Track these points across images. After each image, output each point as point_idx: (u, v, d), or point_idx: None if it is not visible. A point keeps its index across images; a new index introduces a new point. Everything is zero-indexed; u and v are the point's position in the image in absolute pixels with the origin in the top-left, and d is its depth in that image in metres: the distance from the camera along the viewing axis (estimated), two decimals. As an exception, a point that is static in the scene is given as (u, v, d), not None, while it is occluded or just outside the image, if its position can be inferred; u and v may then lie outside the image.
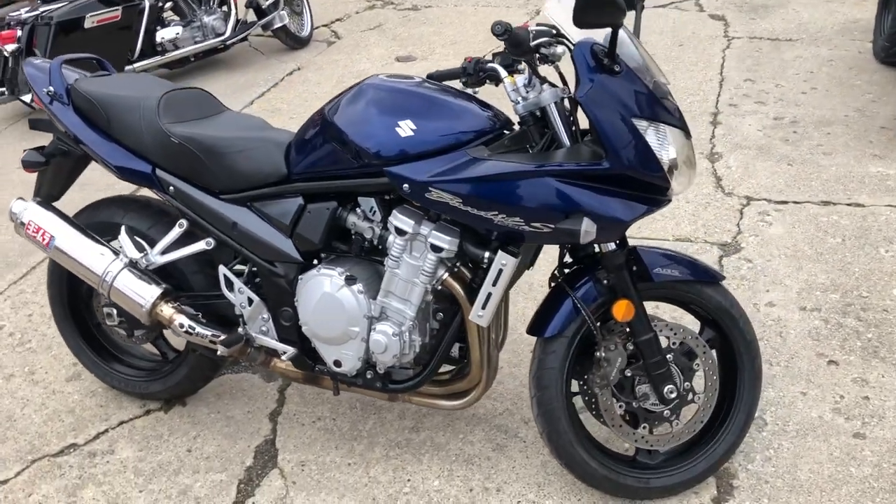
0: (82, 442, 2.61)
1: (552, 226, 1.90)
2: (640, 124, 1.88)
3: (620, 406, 2.17)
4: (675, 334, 2.16)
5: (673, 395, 2.12)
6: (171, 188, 2.32)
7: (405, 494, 2.32)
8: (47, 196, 2.60)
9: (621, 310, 2.05)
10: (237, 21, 6.01)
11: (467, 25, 6.55)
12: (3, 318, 3.25)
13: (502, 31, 1.85)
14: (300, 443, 2.53)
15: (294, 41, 6.36)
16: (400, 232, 2.07)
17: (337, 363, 2.24)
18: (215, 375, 2.71)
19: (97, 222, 2.50)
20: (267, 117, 2.78)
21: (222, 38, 5.89)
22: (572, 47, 1.90)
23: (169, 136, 2.26)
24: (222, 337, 2.29)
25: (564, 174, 1.89)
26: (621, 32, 1.97)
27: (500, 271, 2.01)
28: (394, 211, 2.09)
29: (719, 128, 4.43)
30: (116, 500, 2.37)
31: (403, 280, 2.12)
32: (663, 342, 2.14)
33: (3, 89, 5.12)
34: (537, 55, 1.96)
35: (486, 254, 2.03)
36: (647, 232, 3.49)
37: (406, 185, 1.98)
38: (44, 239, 2.38)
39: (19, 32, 5.01)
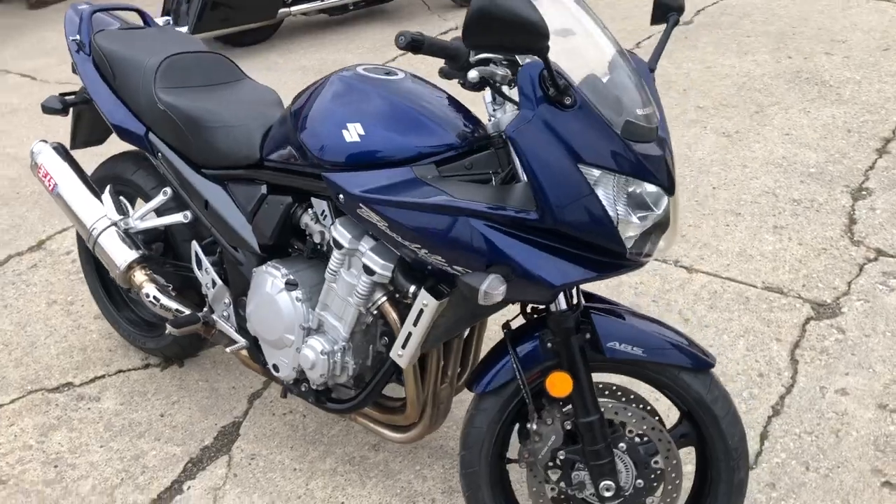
0: (78, 383, 2.68)
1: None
2: (591, 173, 1.52)
3: (552, 489, 1.85)
4: (635, 421, 1.80)
5: (609, 495, 1.76)
6: (160, 154, 2.26)
7: (331, 518, 2.17)
8: (83, 143, 2.65)
9: (555, 383, 1.72)
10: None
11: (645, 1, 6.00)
12: (73, 247, 3.43)
13: (405, 43, 1.54)
14: (261, 433, 2.44)
15: (462, -1, 6.16)
16: (337, 245, 1.87)
17: (275, 367, 2.10)
18: (205, 346, 2.67)
19: (112, 174, 2.51)
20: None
21: (384, -12, 5.81)
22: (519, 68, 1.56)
23: (157, 101, 2.19)
24: (174, 316, 2.22)
25: (490, 218, 1.58)
26: (605, 48, 1.62)
27: (421, 311, 1.75)
28: (336, 220, 1.88)
29: (884, 158, 3.71)
30: (76, 450, 2.42)
31: (339, 297, 1.92)
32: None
33: (169, 18, 5.37)
34: (478, 73, 1.62)
35: (412, 288, 1.77)
36: (736, 272, 3.00)
37: (340, 196, 1.76)
38: (49, 183, 2.42)
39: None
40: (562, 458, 1.79)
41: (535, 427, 1.78)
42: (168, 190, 2.27)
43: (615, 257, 1.59)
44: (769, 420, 2.37)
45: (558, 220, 1.53)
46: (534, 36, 1.34)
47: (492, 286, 1.52)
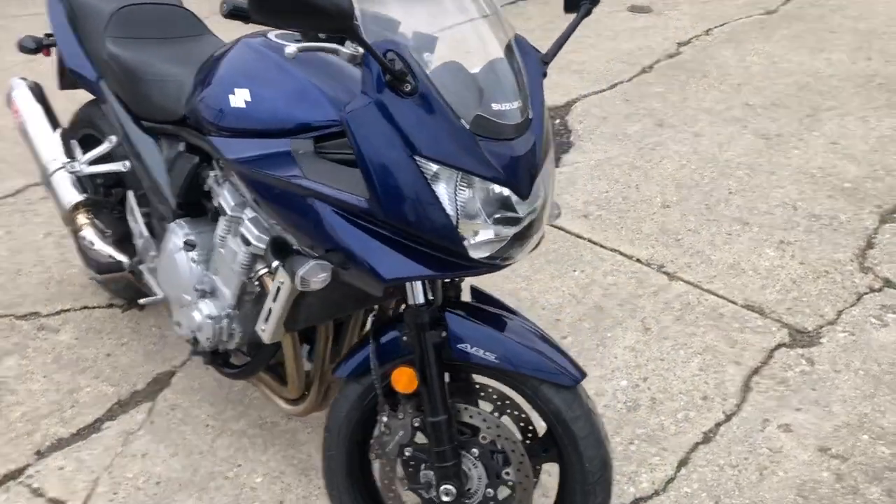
0: (45, 313, 2.81)
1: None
2: (427, 167, 1.44)
3: (403, 484, 1.79)
4: (489, 428, 1.71)
5: (447, 499, 1.69)
6: (107, 102, 2.30)
7: (223, 479, 2.19)
8: (70, 85, 2.73)
9: (401, 378, 1.66)
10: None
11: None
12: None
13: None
14: (189, 386, 2.49)
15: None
16: (222, 210, 1.85)
17: (178, 324, 2.12)
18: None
19: (86, 118, 2.58)
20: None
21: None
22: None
23: (104, 49, 2.23)
24: (99, 261, 2.28)
25: (330, 202, 1.52)
26: (488, 37, 1.52)
27: (279, 289, 1.72)
28: (224, 185, 1.87)
29: (932, 180, 3.37)
30: (21, 377, 2.53)
31: (226, 264, 1.91)
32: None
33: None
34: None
35: (275, 263, 1.73)
36: (719, 285, 2.81)
37: (221, 161, 1.74)
38: (17, 118, 2.52)
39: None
40: (408, 454, 1.74)
41: (385, 419, 1.73)
42: (113, 138, 2.31)
43: (460, 258, 1.51)
44: (695, 447, 2.22)
45: (387, 211, 1.46)
46: (330, 16, 1.27)
47: (310, 273, 1.48)
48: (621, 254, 3.01)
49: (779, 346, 2.55)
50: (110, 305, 2.84)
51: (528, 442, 1.78)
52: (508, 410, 1.80)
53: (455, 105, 1.45)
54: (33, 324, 2.76)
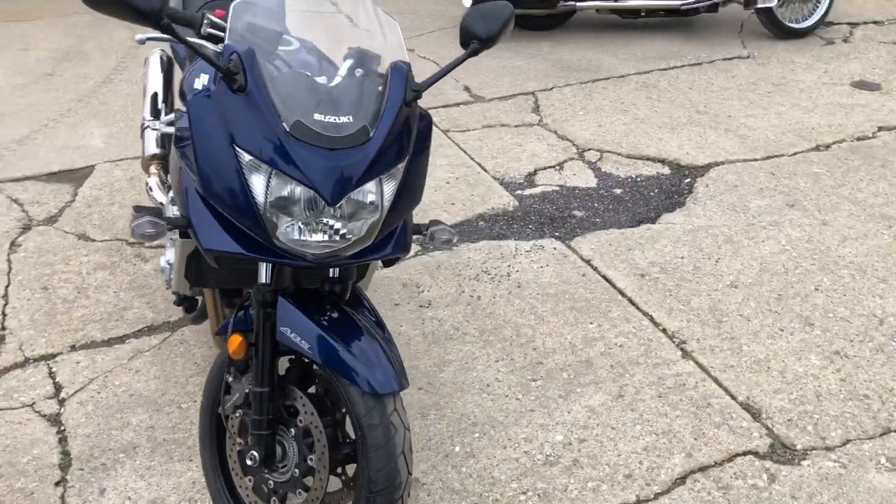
0: (147, 245, 3.37)
1: None
2: (242, 156, 1.62)
3: (239, 443, 1.97)
4: (305, 414, 1.84)
5: (249, 463, 1.85)
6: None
7: (177, 407, 2.52)
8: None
9: (233, 344, 1.85)
10: (712, -13, 5.57)
11: None
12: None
13: None
14: (204, 329, 2.86)
15: (778, 29, 5.63)
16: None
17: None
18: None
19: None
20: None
21: (684, 1, 5.57)
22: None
23: None
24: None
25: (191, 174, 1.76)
26: (339, 51, 1.70)
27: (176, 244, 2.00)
28: None
29: None
30: (100, 288, 3.09)
31: None
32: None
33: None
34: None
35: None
36: (729, 377, 2.59)
37: None
38: (143, 79, 3.06)
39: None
40: (237, 416, 1.92)
41: (229, 380, 1.93)
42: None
43: (273, 246, 1.67)
44: (583, 518, 2.13)
45: (205, 188, 1.67)
46: (136, 14, 1.50)
47: (140, 226, 1.73)
48: (651, 320, 2.87)
49: (748, 452, 2.32)
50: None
51: (342, 440, 1.88)
52: (332, 405, 1.90)
53: (281, 108, 1.62)
54: (135, 251, 3.32)
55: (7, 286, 3.08)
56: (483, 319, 2.88)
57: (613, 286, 3.06)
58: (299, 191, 1.63)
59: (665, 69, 5.19)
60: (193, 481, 2.25)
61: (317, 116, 1.63)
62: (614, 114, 4.55)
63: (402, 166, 1.74)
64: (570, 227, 3.46)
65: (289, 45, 1.80)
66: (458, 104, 4.71)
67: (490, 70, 5.22)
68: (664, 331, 2.82)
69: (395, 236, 1.84)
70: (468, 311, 2.92)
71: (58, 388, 2.60)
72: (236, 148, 1.63)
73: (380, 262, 2.11)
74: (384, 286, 3.06)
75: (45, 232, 3.44)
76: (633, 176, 3.90)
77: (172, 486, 2.24)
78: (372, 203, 1.69)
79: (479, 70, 5.20)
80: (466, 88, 4.94)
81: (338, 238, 1.68)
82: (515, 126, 4.43)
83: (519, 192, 3.76)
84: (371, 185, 1.68)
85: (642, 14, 5.75)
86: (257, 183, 1.63)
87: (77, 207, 3.64)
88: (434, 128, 3.91)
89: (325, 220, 1.65)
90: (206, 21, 1.73)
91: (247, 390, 1.90)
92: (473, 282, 3.09)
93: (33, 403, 2.54)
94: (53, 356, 2.74)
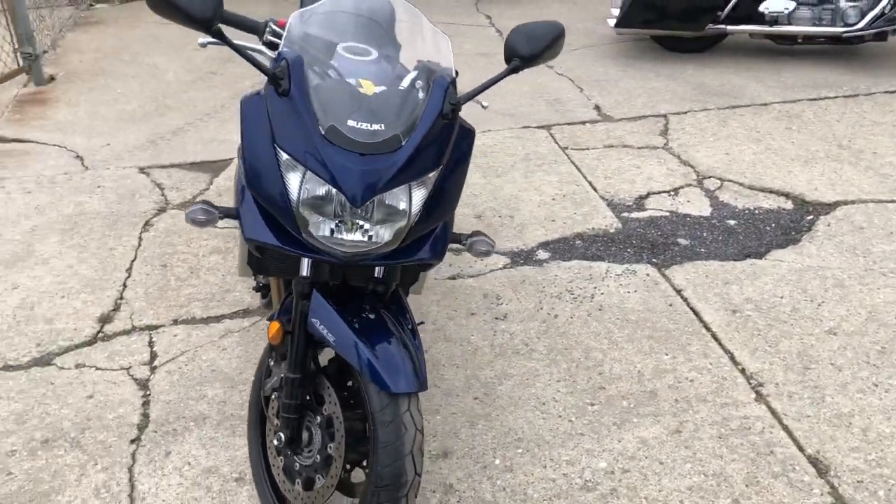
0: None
1: None
2: (280, 155, 1.73)
3: (275, 425, 2.08)
4: (330, 405, 1.93)
5: (276, 443, 1.96)
6: None
7: (249, 384, 2.69)
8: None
9: (271, 330, 1.97)
10: (880, 14, 5.18)
11: None
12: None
13: None
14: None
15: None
16: None
17: None
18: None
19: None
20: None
21: (847, 28, 5.22)
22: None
23: None
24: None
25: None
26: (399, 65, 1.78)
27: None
28: None
29: None
30: (211, 270, 3.35)
31: None
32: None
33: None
34: None
35: None
36: (801, 426, 2.43)
37: None
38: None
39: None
40: (274, 397, 2.04)
41: (271, 364, 2.06)
42: None
43: (304, 241, 1.78)
44: (608, 548, 2.08)
45: (249, 181, 1.79)
46: (189, 20, 1.64)
47: (194, 213, 1.87)
48: (731, 357, 2.74)
49: (805, 509, 2.17)
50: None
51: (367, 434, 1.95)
52: (346, 393, 1.97)
53: (320, 113, 1.72)
54: (248, 239, 3.57)
55: (133, 261, 3.41)
56: (555, 338, 2.87)
57: (700, 319, 2.95)
58: (329, 191, 1.72)
59: (814, 99, 4.90)
60: (246, 456, 2.40)
61: (350, 123, 1.72)
62: (746, 142, 4.35)
63: (433, 175, 1.80)
64: (671, 255, 3.36)
65: (343, 55, 1.90)
66: (583, 122, 4.68)
67: (626, 90, 5.14)
68: (742, 370, 2.69)
69: (428, 242, 1.90)
70: (541, 329, 2.91)
71: (153, 356, 2.85)
72: (276, 147, 1.75)
73: (434, 268, 2.19)
74: (464, 294, 3.11)
75: (176, 215, 3.77)
76: (752, 208, 3.72)
77: (228, 458, 2.41)
78: (400, 209, 1.76)
79: (614, 89, 5.14)
80: (597, 107, 4.90)
81: (365, 239, 1.76)
82: (638, 148, 4.34)
83: (625, 214, 3.69)
84: (400, 191, 1.75)
85: (799, 41, 5.47)
86: (293, 181, 1.74)
87: (209, 195, 3.96)
88: (554, 144, 3.87)
89: (351, 220, 1.73)
90: (268, 29, 1.87)
91: (283, 375, 2.02)
92: (554, 300, 3.08)
93: (129, 367, 2.80)
94: (156, 328, 3.00)
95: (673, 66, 5.54)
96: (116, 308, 3.11)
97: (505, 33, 6.43)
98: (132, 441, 2.47)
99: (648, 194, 3.86)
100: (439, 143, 1.81)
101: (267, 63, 1.92)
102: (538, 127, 4.62)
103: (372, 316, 1.92)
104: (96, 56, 6.16)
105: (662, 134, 4.50)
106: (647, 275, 3.23)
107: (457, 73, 1.99)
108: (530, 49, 1.85)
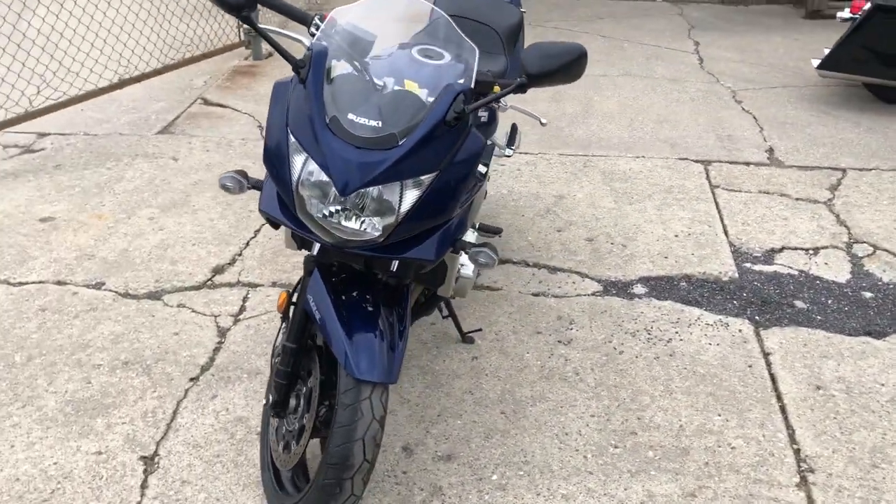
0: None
1: None
2: (290, 139, 1.86)
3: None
4: (312, 377, 2.04)
5: (264, 403, 2.10)
6: None
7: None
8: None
9: (280, 299, 2.12)
10: None
11: None
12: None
13: None
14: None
15: None
16: None
17: None
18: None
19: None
20: None
21: None
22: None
23: None
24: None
25: None
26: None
27: None
28: None
29: None
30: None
31: None
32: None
33: None
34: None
35: None
36: (827, 494, 2.17)
37: None
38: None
39: (867, 6, 5.01)
40: (274, 363, 2.19)
41: (280, 331, 2.21)
42: None
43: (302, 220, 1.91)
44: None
45: (265, 159, 1.94)
46: (222, 4, 1.81)
47: (224, 179, 2.05)
48: (790, 434, 2.50)
49: None
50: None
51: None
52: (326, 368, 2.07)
53: (329, 103, 1.84)
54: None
55: (263, 225, 3.73)
56: (609, 373, 2.77)
57: (774, 387, 2.71)
58: (323, 177, 1.83)
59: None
60: (275, 415, 2.59)
61: (351, 116, 1.82)
62: (925, 213, 3.87)
63: (427, 178, 1.85)
64: (777, 316, 3.10)
65: (378, 54, 2.00)
66: (747, 163, 4.40)
67: (810, 137, 4.76)
68: (797, 451, 2.45)
69: (425, 242, 1.95)
70: (600, 361, 2.83)
71: (241, 310, 3.13)
72: (288, 130, 1.89)
73: (465, 269, 2.26)
74: (540, 312, 3.09)
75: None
76: (898, 283, 3.33)
77: (259, 412, 2.60)
78: (388, 205, 1.83)
79: (798, 134, 4.78)
80: (770, 150, 4.58)
81: (355, 228, 1.85)
82: (795, 199, 4.02)
83: (747, 264, 3.45)
84: (391, 188, 1.82)
85: None
86: (296, 163, 1.87)
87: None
88: (704, 181, 3.76)
89: (339, 208, 1.83)
90: (314, 22, 2.02)
91: (282, 343, 2.17)
92: (627, 336, 2.97)
93: (218, 315, 3.10)
94: (256, 286, 3.29)
95: (877, 119, 5.02)
96: (231, 262, 3.44)
97: (707, 62, 6.16)
98: (191, 379, 2.75)
99: (783, 248, 3.57)
100: (439, 147, 1.85)
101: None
102: (696, 160, 4.41)
103: (369, 308, 2.01)
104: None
105: (831, 189, 4.12)
106: (740, 331, 3.01)
107: (474, 84, 2.00)
108: (539, 67, 1.84)
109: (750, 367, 2.82)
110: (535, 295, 3.22)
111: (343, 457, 1.90)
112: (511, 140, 3.33)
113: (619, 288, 3.28)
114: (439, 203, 1.91)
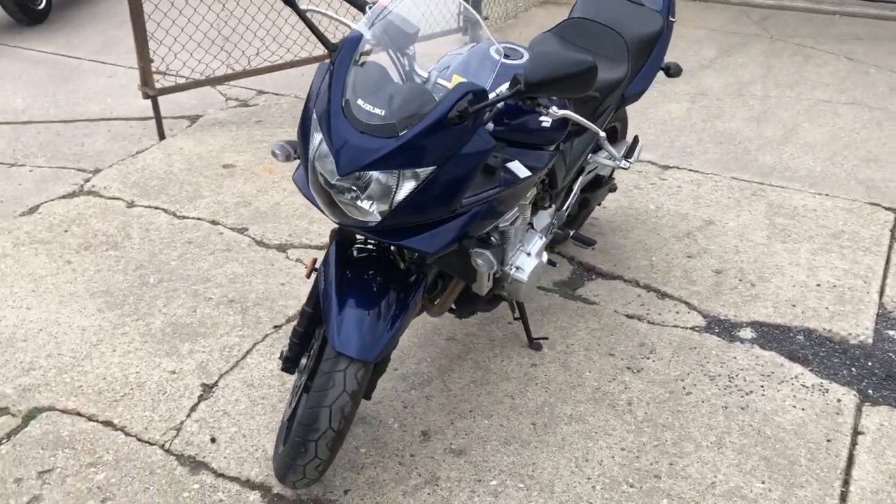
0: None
1: None
2: (313, 116, 1.99)
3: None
4: (315, 342, 2.18)
5: (287, 354, 2.26)
6: None
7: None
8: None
9: (308, 264, 2.29)
10: None
11: None
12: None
13: None
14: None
15: None
16: None
17: None
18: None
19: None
20: None
21: None
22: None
23: None
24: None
25: None
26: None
27: None
28: None
29: None
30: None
31: None
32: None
33: None
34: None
35: None
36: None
37: None
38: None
39: None
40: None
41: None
42: None
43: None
44: None
45: (299, 132, 2.07)
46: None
47: (276, 145, 2.22)
48: (836, 525, 2.20)
49: None
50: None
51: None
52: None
53: (348, 88, 1.93)
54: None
55: (404, 200, 3.91)
56: (663, 412, 2.61)
57: (847, 471, 2.39)
58: (329, 156, 1.94)
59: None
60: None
61: (359, 102, 1.91)
62: None
63: (425, 171, 1.90)
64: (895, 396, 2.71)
65: (414, 47, 2.06)
66: (952, 220, 3.80)
67: None
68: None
69: (427, 232, 2.00)
70: (660, 398, 2.67)
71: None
72: (311, 108, 2.02)
73: (518, 273, 2.30)
74: (624, 335, 2.96)
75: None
76: None
77: (315, 369, 2.80)
78: (384, 190, 1.90)
79: None
80: None
81: (351, 207, 1.95)
82: None
83: (890, 332, 3.02)
84: (388, 176, 1.89)
85: None
86: (315, 139, 2.00)
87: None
88: (887, 232, 3.52)
89: (338, 185, 1.93)
90: (368, 8, 2.12)
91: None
92: (705, 378, 2.76)
93: (324, 276, 3.33)
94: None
95: None
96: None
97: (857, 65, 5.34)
98: (275, 326, 3.01)
99: (945, 323, 3.08)
100: (441, 143, 1.88)
101: None
102: (888, 208, 3.89)
103: (373, 287, 2.11)
104: (536, 31, 6.77)
105: None
106: (838, 400, 2.67)
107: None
108: (540, 76, 1.79)
109: (829, 441, 2.50)
110: (629, 317, 3.08)
111: (310, 419, 2.02)
112: (630, 152, 3.22)
113: (723, 327, 3.03)
114: (437, 197, 1.94)
